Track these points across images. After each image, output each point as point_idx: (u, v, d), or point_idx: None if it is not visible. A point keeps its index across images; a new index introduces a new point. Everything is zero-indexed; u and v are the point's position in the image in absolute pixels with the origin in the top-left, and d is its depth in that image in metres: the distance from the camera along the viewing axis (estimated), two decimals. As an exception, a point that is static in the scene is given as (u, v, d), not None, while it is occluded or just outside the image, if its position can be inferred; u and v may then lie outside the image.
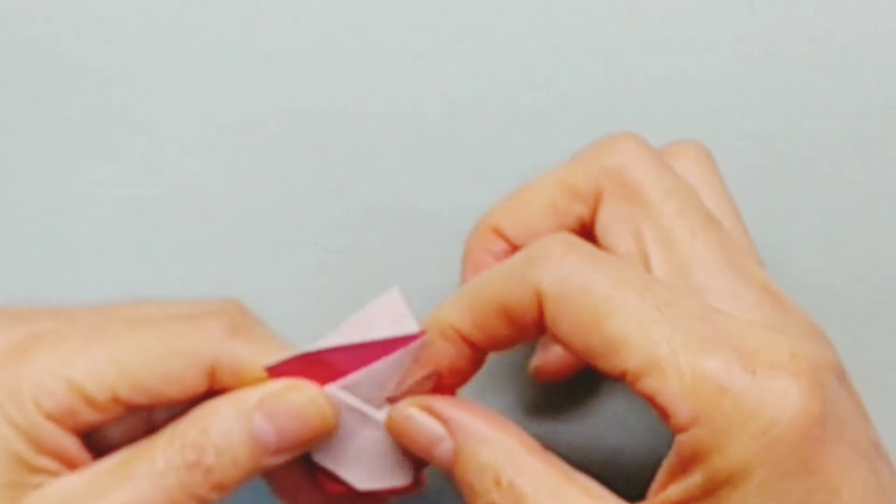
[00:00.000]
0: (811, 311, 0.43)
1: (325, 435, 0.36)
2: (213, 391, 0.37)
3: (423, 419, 0.35)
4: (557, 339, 0.34)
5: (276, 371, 0.36)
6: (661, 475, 0.33)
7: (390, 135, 0.44)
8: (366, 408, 0.37)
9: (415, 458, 0.37)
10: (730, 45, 0.44)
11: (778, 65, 0.44)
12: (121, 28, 0.44)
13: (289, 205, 0.44)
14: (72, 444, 0.36)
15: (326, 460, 0.37)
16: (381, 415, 0.37)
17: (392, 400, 0.36)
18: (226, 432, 0.35)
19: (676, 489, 0.32)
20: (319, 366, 0.36)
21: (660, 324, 0.32)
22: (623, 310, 0.32)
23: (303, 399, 0.36)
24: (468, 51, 0.44)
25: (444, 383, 0.36)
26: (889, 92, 0.44)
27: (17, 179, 0.44)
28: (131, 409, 0.36)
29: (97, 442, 0.37)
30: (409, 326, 0.36)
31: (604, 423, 0.43)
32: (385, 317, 0.37)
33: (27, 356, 0.36)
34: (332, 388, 0.36)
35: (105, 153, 0.44)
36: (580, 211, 0.37)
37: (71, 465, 0.36)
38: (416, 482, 0.38)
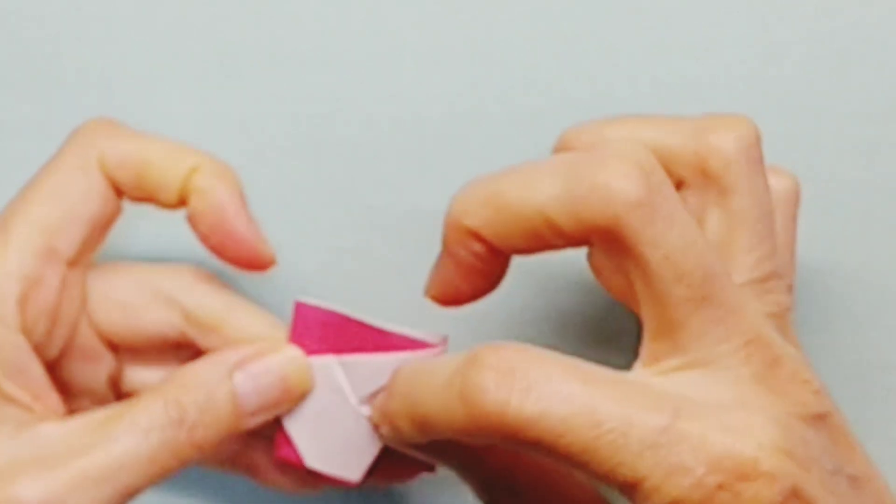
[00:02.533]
0: (812, 311, 0.43)
1: (301, 398, 0.37)
2: (121, 192, 0.37)
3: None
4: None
5: (302, 309, 0.37)
6: None
7: (392, 136, 0.44)
8: (350, 393, 0.37)
9: (376, 462, 0.38)
10: (730, 46, 0.44)
11: (779, 66, 0.44)
12: (122, 29, 0.44)
13: (290, 206, 0.44)
14: (38, 371, 0.36)
15: (290, 424, 0.37)
16: (361, 407, 0.37)
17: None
18: (208, 390, 0.36)
19: None
20: (340, 330, 0.37)
21: (620, 450, 0.31)
22: (589, 453, 0.31)
23: (283, 360, 0.37)
24: (470, 53, 0.44)
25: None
26: (890, 93, 0.44)
27: (17, 180, 0.44)
28: (79, 264, 0.37)
29: (72, 410, 0.38)
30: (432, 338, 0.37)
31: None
32: None
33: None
34: (329, 359, 0.37)
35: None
36: (563, 245, 0.34)
37: (42, 401, 0.36)
38: (361, 482, 0.38)
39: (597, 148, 0.33)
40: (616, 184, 0.32)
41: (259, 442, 0.40)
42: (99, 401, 0.39)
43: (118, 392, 0.40)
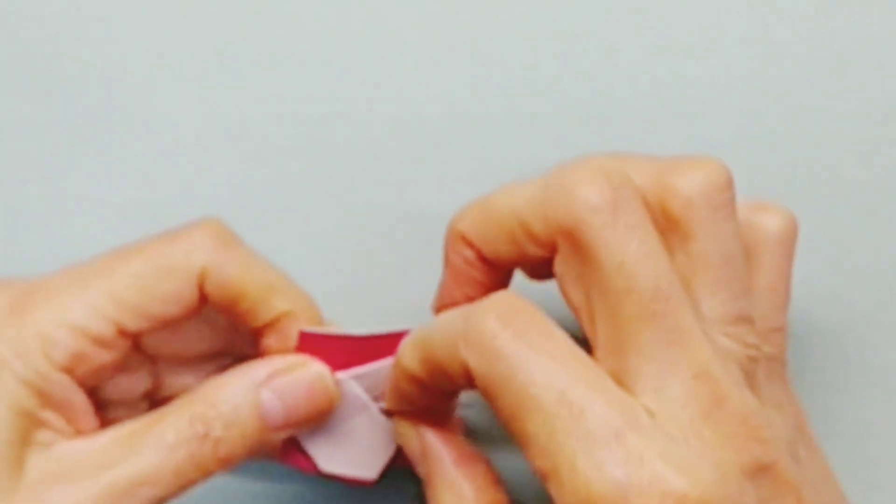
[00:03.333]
0: (812, 312, 0.43)
1: (328, 413, 0.37)
2: (208, 302, 0.37)
3: (410, 437, 0.37)
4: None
5: (305, 338, 0.37)
6: None
7: (393, 137, 0.44)
8: (366, 398, 0.37)
9: (391, 459, 0.38)
10: (731, 47, 0.44)
11: (779, 66, 0.44)
12: (123, 30, 0.44)
13: (291, 207, 0.44)
14: (81, 401, 0.37)
15: (305, 439, 0.38)
16: (375, 406, 0.37)
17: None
18: (235, 405, 0.36)
19: None
20: (348, 350, 0.37)
21: (568, 436, 0.31)
22: (536, 411, 0.31)
23: (311, 376, 0.37)
24: (471, 54, 0.44)
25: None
26: (890, 93, 0.44)
27: (18, 181, 0.44)
28: (137, 345, 0.37)
29: (105, 419, 0.38)
30: None
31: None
32: None
33: (26, 310, 0.36)
34: (343, 375, 0.37)
35: (107, 155, 0.44)
36: (536, 252, 0.35)
37: (77, 424, 0.37)
38: (377, 480, 0.38)
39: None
40: (581, 188, 0.33)
41: None
42: (134, 412, 0.39)
43: (154, 404, 0.40)
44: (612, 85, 0.44)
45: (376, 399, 0.38)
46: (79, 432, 0.37)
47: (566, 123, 0.44)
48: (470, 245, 0.36)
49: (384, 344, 0.37)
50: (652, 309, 0.32)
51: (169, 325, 0.37)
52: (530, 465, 0.32)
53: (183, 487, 0.36)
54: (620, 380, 0.32)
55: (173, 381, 0.40)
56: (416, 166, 0.44)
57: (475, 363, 0.32)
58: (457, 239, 0.36)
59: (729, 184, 0.35)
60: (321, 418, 0.37)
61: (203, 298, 0.37)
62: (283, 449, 0.38)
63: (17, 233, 0.44)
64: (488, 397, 0.33)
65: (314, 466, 0.38)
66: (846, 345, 0.43)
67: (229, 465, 0.36)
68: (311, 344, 0.37)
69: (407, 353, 0.35)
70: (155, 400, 0.40)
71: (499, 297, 0.33)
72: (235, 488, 0.44)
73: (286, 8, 0.44)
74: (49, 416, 0.36)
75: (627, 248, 0.32)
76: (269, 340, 0.38)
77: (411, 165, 0.44)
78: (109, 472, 0.35)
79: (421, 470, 0.36)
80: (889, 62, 0.44)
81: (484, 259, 0.36)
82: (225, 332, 0.40)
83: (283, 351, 0.38)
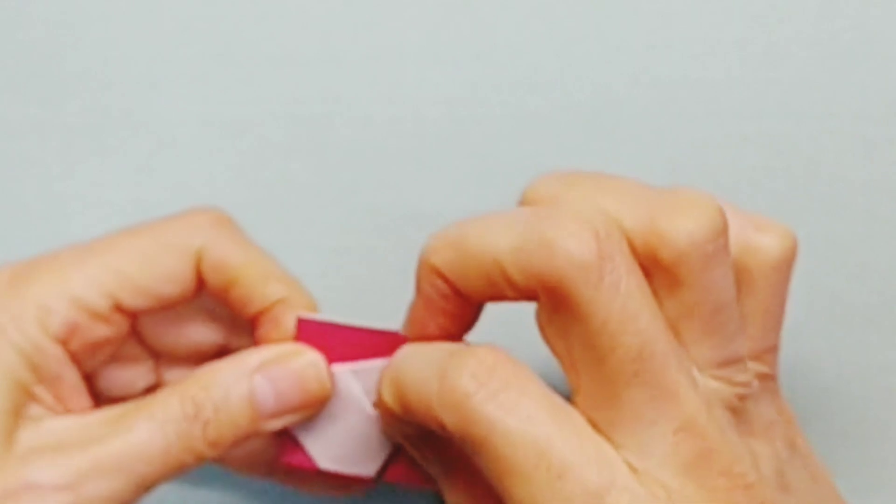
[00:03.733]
0: (813, 313, 0.43)
1: (322, 404, 0.37)
2: (205, 287, 0.38)
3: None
4: None
5: (304, 325, 0.37)
6: None
7: (392, 137, 0.44)
8: (363, 398, 0.37)
9: (387, 460, 0.38)
10: (732, 47, 0.44)
11: (780, 67, 0.44)
12: (123, 30, 0.44)
13: (290, 207, 0.44)
14: (73, 377, 0.37)
15: (298, 429, 0.38)
16: (370, 405, 0.37)
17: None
18: (225, 390, 0.36)
19: None
20: (346, 340, 0.37)
21: (549, 500, 0.30)
22: (515, 474, 0.31)
23: (303, 365, 0.37)
24: (471, 54, 0.44)
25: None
26: (891, 94, 0.44)
27: (18, 181, 0.44)
28: (133, 321, 0.37)
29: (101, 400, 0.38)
30: None
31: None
32: None
33: (27, 280, 0.37)
34: (339, 368, 0.37)
35: (107, 155, 0.44)
36: (515, 297, 0.33)
37: (68, 402, 0.37)
38: (377, 478, 0.38)
39: (557, 205, 0.33)
40: (564, 242, 0.31)
41: None
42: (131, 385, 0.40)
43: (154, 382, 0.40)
44: (612, 85, 0.44)
45: (369, 396, 0.37)
46: (69, 411, 0.37)
47: (566, 123, 0.44)
48: (444, 279, 0.34)
49: (384, 342, 0.37)
50: (635, 368, 0.31)
51: (166, 305, 0.38)
52: None
53: (172, 469, 0.36)
54: (603, 430, 0.32)
55: (174, 377, 0.40)
56: (416, 166, 0.44)
57: (451, 424, 0.32)
58: (430, 271, 0.34)
59: (723, 230, 0.33)
60: (314, 409, 0.37)
61: (200, 282, 0.38)
62: (281, 447, 0.38)
63: (17, 233, 0.44)
64: (469, 453, 0.32)
65: (313, 465, 0.38)
66: (846, 345, 0.43)
67: (218, 449, 0.36)
68: (309, 331, 0.37)
69: (385, 389, 0.35)
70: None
71: (472, 352, 0.32)
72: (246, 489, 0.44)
73: (286, 8, 0.44)
74: (41, 391, 0.36)
75: (612, 307, 0.31)
76: (265, 329, 0.38)
77: (411, 165, 0.44)
78: (97, 447, 0.35)
79: (435, 470, 0.36)
80: (889, 62, 0.44)
81: (458, 293, 0.34)
82: (224, 326, 0.40)
83: (278, 339, 0.38)
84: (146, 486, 0.35)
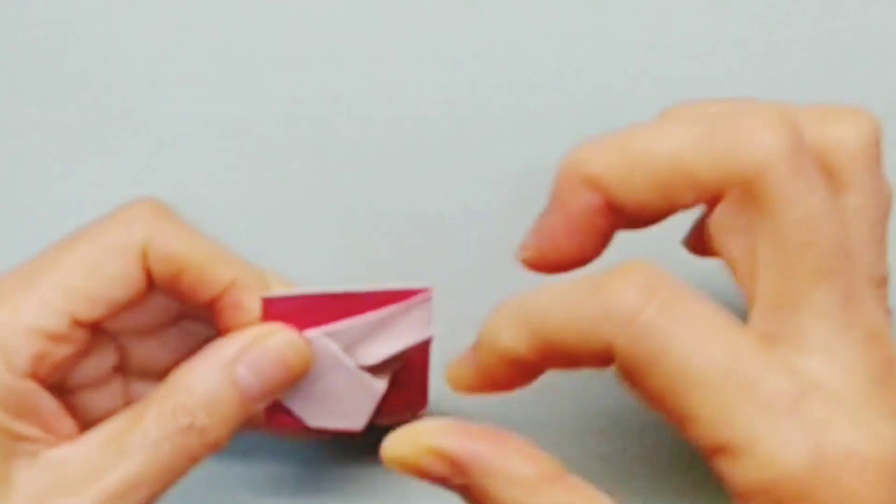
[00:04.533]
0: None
1: (304, 374, 0.37)
2: (153, 282, 0.37)
3: (427, 462, 0.32)
4: (626, 386, 0.31)
5: (269, 304, 0.37)
6: None
7: (393, 137, 0.44)
8: (341, 354, 0.37)
9: (374, 410, 0.38)
10: (732, 47, 0.44)
11: (780, 67, 0.44)
12: (123, 30, 0.44)
13: (291, 207, 0.44)
14: (51, 405, 0.36)
15: (288, 399, 0.38)
16: (351, 362, 0.37)
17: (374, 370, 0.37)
18: (211, 390, 0.36)
19: None
20: (316, 310, 0.37)
21: (740, 407, 0.29)
22: (701, 386, 0.29)
23: (281, 343, 0.37)
24: (471, 53, 0.44)
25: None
26: (891, 94, 0.44)
27: (18, 181, 0.44)
28: (96, 331, 0.37)
29: (80, 404, 0.38)
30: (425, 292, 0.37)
31: (602, 429, 0.43)
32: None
33: None
34: (313, 333, 0.37)
35: (107, 155, 0.44)
36: (693, 200, 0.32)
37: (54, 430, 0.36)
38: (366, 430, 0.38)
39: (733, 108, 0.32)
40: (764, 134, 0.30)
41: None
42: (105, 390, 0.39)
43: (126, 376, 0.40)
44: (612, 84, 0.44)
45: (350, 353, 0.37)
46: (60, 438, 0.36)
47: (566, 123, 0.44)
48: (599, 189, 0.32)
49: (352, 303, 0.37)
50: (831, 265, 0.30)
51: (122, 308, 0.37)
52: (694, 443, 0.30)
53: (175, 480, 0.36)
54: (785, 340, 0.30)
55: (140, 351, 0.39)
56: (416, 166, 0.44)
57: (622, 342, 0.30)
58: (581, 182, 0.32)
59: (881, 137, 0.33)
60: (297, 380, 0.37)
61: (150, 279, 0.37)
62: (268, 414, 0.38)
63: (17, 233, 0.44)
64: (633, 376, 0.30)
65: (302, 425, 0.38)
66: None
67: (217, 448, 0.36)
68: (276, 309, 0.37)
69: (506, 334, 0.32)
70: (126, 372, 0.40)
71: (632, 266, 0.30)
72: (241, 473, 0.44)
73: (286, 8, 0.44)
74: (24, 428, 0.36)
75: (808, 202, 0.30)
76: (228, 315, 0.37)
77: (411, 165, 0.44)
78: (101, 481, 0.35)
79: (453, 486, 0.32)
80: (889, 62, 0.44)
81: (613, 207, 0.32)
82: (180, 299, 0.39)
83: (242, 323, 0.37)
84: (153, 502, 0.35)
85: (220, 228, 0.44)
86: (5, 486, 0.35)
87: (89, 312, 0.36)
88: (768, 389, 0.29)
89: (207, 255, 0.37)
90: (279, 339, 0.37)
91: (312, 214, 0.44)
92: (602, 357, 0.31)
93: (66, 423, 0.37)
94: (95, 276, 0.36)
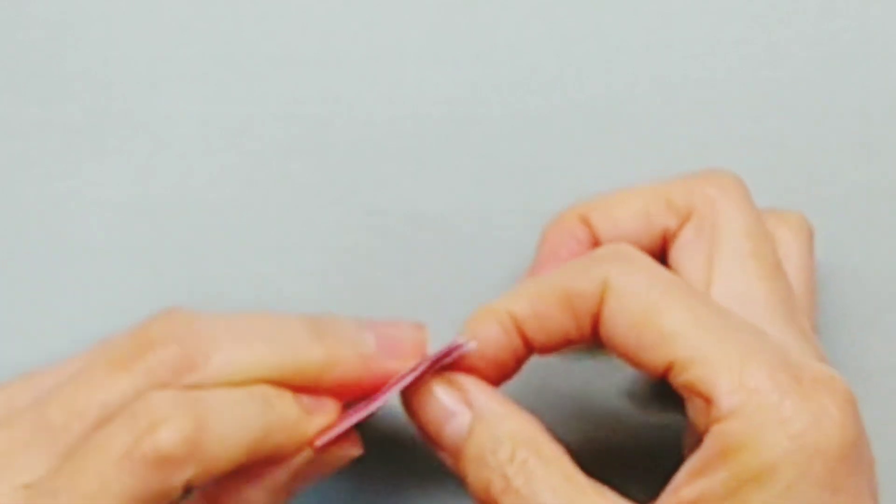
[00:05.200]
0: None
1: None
2: None
3: (442, 391, 0.35)
4: (606, 337, 0.34)
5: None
6: (678, 477, 0.33)
7: (392, 138, 0.44)
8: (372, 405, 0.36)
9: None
10: (732, 47, 0.44)
11: (780, 67, 0.44)
12: (123, 30, 0.44)
13: (290, 208, 0.44)
14: None
15: None
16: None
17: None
18: None
19: (694, 489, 0.32)
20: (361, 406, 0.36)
21: (715, 325, 0.33)
22: (682, 308, 0.33)
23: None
24: (471, 54, 0.44)
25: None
26: (891, 94, 0.44)
27: (18, 182, 0.44)
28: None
29: None
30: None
31: (602, 431, 0.43)
32: None
33: None
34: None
35: (107, 156, 0.44)
36: (669, 223, 0.38)
37: None
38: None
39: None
40: (722, 172, 0.40)
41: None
42: None
43: None
44: (612, 85, 0.44)
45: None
46: None
47: (566, 123, 0.44)
48: (589, 226, 0.39)
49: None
50: (775, 274, 0.37)
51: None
52: (663, 364, 0.33)
53: None
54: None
55: None
56: (416, 166, 0.44)
57: (615, 276, 0.34)
58: (574, 219, 0.39)
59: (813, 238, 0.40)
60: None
61: None
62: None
63: (17, 233, 0.44)
64: (620, 307, 0.34)
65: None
66: (846, 345, 0.43)
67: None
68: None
69: (512, 300, 0.36)
70: None
71: (621, 243, 0.37)
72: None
73: (286, 8, 0.44)
74: None
75: (755, 222, 0.37)
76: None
77: (411, 165, 0.44)
78: None
79: (453, 427, 0.35)
80: (889, 62, 0.44)
81: (597, 243, 0.38)
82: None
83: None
84: None
85: (220, 228, 0.44)
86: None
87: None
88: (736, 319, 0.34)
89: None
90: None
91: (312, 214, 0.44)
92: (597, 299, 0.35)
93: None
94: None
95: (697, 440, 0.33)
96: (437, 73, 0.44)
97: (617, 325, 0.34)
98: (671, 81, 0.44)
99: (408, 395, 0.36)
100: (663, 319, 0.33)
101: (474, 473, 0.34)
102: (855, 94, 0.44)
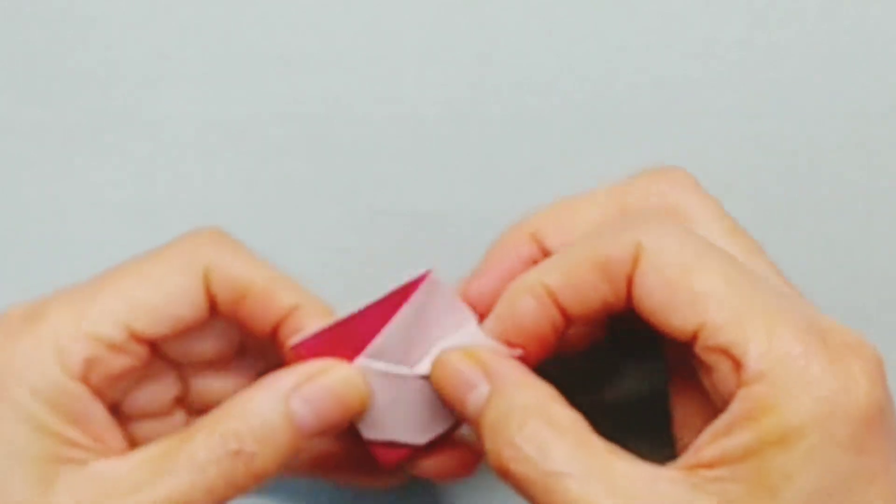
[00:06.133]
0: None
1: (363, 410, 0.37)
2: (216, 307, 0.37)
3: (463, 364, 0.36)
4: (639, 300, 0.34)
5: (301, 348, 0.36)
6: (700, 440, 0.33)
7: (392, 137, 0.44)
8: (399, 369, 0.37)
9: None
10: (732, 47, 0.44)
11: (780, 67, 0.44)
12: (123, 30, 0.44)
13: (290, 207, 0.44)
14: (101, 414, 0.36)
15: (377, 433, 0.38)
16: (415, 370, 0.37)
17: None
18: (264, 419, 0.35)
19: (716, 449, 0.32)
20: (344, 338, 0.37)
21: (746, 287, 0.33)
22: (714, 268, 0.34)
23: (337, 379, 0.36)
24: (470, 54, 0.44)
25: (523, 359, 0.36)
26: (891, 94, 0.44)
27: (19, 182, 0.44)
28: (154, 350, 0.37)
29: (140, 434, 0.38)
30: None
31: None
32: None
33: (40, 320, 0.36)
34: (362, 361, 0.37)
35: (108, 156, 0.44)
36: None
37: (103, 441, 0.36)
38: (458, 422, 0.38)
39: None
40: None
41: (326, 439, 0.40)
42: (166, 421, 0.39)
43: (190, 410, 0.40)
44: (613, 85, 0.44)
45: (412, 361, 0.37)
46: (109, 451, 0.36)
47: (566, 123, 0.44)
48: (539, 243, 0.39)
49: (370, 317, 0.36)
50: (756, 248, 0.37)
51: (182, 329, 0.37)
52: (693, 326, 0.33)
53: None
54: None
55: (202, 384, 0.40)
56: (416, 166, 0.44)
57: (648, 237, 0.34)
58: (523, 236, 0.39)
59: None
60: (355, 418, 0.37)
61: (211, 303, 0.37)
62: (376, 454, 0.38)
63: (17, 233, 0.44)
64: (653, 268, 0.34)
65: (413, 447, 0.38)
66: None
67: (263, 479, 0.36)
68: (309, 350, 0.37)
69: (543, 271, 0.36)
70: (189, 406, 0.40)
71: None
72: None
73: (286, 8, 0.44)
74: (74, 433, 0.36)
75: (719, 207, 0.38)
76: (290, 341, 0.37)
77: (411, 165, 0.44)
78: (142, 494, 0.35)
79: (474, 398, 0.35)
80: (889, 62, 0.44)
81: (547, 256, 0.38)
82: (239, 332, 0.39)
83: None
84: None
85: (222, 229, 0.44)
86: (49, 489, 0.35)
87: (147, 327, 0.36)
88: (766, 281, 0.35)
89: (270, 278, 0.37)
90: (336, 376, 0.37)
91: (312, 214, 0.44)
92: (631, 261, 0.35)
93: (116, 437, 0.37)
94: (156, 291, 0.37)
95: (715, 405, 0.34)
96: (436, 73, 0.44)
97: (650, 286, 0.34)
98: (671, 81, 0.44)
99: (434, 370, 0.37)
100: (695, 280, 0.34)
101: (490, 444, 0.34)
102: (855, 94, 0.44)
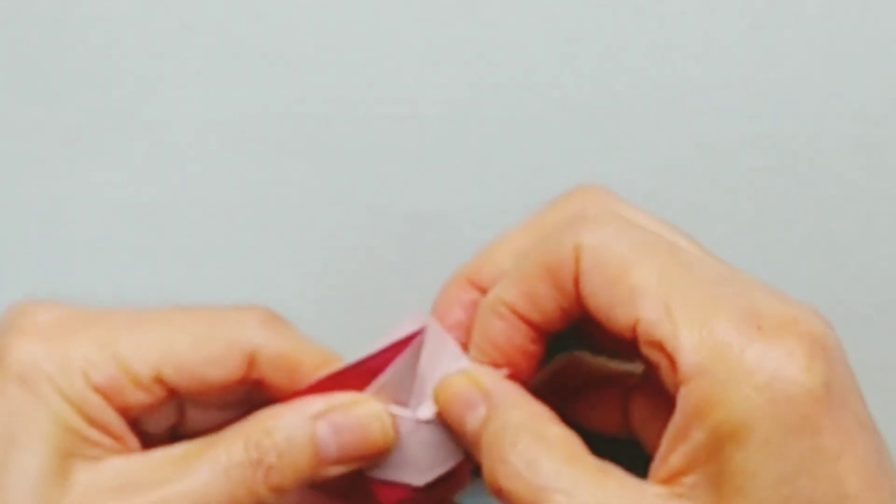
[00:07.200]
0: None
1: (385, 452, 0.37)
2: (250, 380, 0.37)
3: (464, 386, 0.36)
4: (586, 302, 0.34)
5: (313, 390, 0.37)
6: (663, 448, 0.33)
7: (392, 137, 0.44)
8: (401, 411, 0.37)
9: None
10: (732, 47, 0.44)
11: (780, 67, 0.44)
12: (123, 30, 0.44)
13: (290, 208, 0.44)
14: (118, 423, 0.36)
15: (379, 471, 0.38)
16: (417, 413, 0.37)
17: None
18: (289, 435, 0.36)
19: (679, 455, 0.32)
20: (349, 381, 0.37)
21: (679, 279, 0.33)
22: (648, 264, 0.33)
23: (367, 413, 0.37)
24: (470, 53, 0.44)
25: (514, 376, 0.36)
26: (891, 94, 0.44)
27: (19, 182, 0.44)
28: (172, 394, 0.37)
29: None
30: (419, 324, 0.37)
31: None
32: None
33: (76, 332, 0.36)
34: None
35: (108, 156, 0.44)
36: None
37: (123, 443, 0.37)
38: (467, 461, 0.38)
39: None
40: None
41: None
42: (156, 444, 0.39)
43: (177, 436, 0.40)
44: (612, 84, 0.44)
45: (408, 404, 0.38)
46: (128, 451, 0.37)
47: (566, 123, 0.44)
48: (476, 286, 0.38)
49: (380, 359, 0.37)
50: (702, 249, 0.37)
51: (207, 388, 0.37)
52: (630, 323, 0.33)
53: None
54: None
55: (198, 417, 0.39)
56: (416, 166, 0.44)
57: (586, 238, 0.34)
58: (461, 283, 0.38)
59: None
60: (378, 456, 0.37)
61: (249, 373, 0.37)
62: (376, 492, 0.38)
63: (19, 235, 0.44)
64: (593, 267, 0.34)
65: (414, 488, 0.38)
66: (846, 345, 0.43)
67: (279, 493, 0.36)
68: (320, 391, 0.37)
69: (500, 290, 0.36)
70: (180, 432, 0.40)
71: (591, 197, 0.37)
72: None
73: (286, 8, 0.44)
74: (94, 434, 0.36)
75: (646, 233, 0.36)
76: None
77: (411, 165, 0.44)
78: (161, 490, 0.35)
79: (473, 419, 0.36)
80: (889, 62, 0.44)
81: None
82: (245, 362, 0.39)
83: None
84: None
85: (220, 228, 0.44)
86: (64, 482, 0.35)
87: (175, 378, 0.37)
88: (702, 268, 0.34)
89: (320, 357, 0.38)
90: (366, 410, 0.37)
91: (312, 214, 0.44)
92: (573, 264, 0.34)
93: (134, 442, 0.37)
94: (197, 351, 0.37)
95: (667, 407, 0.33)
96: (436, 73, 0.44)
97: (592, 285, 0.34)
98: (671, 81, 0.44)
99: (437, 393, 0.37)
100: (631, 275, 0.33)
101: (486, 462, 0.34)
102: (855, 94, 0.44)
